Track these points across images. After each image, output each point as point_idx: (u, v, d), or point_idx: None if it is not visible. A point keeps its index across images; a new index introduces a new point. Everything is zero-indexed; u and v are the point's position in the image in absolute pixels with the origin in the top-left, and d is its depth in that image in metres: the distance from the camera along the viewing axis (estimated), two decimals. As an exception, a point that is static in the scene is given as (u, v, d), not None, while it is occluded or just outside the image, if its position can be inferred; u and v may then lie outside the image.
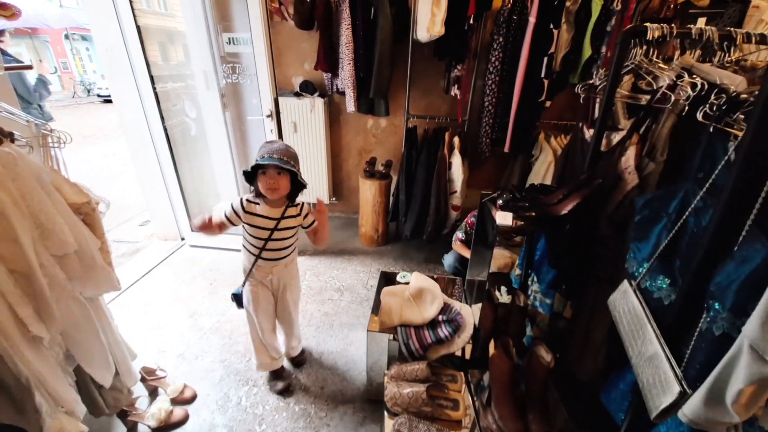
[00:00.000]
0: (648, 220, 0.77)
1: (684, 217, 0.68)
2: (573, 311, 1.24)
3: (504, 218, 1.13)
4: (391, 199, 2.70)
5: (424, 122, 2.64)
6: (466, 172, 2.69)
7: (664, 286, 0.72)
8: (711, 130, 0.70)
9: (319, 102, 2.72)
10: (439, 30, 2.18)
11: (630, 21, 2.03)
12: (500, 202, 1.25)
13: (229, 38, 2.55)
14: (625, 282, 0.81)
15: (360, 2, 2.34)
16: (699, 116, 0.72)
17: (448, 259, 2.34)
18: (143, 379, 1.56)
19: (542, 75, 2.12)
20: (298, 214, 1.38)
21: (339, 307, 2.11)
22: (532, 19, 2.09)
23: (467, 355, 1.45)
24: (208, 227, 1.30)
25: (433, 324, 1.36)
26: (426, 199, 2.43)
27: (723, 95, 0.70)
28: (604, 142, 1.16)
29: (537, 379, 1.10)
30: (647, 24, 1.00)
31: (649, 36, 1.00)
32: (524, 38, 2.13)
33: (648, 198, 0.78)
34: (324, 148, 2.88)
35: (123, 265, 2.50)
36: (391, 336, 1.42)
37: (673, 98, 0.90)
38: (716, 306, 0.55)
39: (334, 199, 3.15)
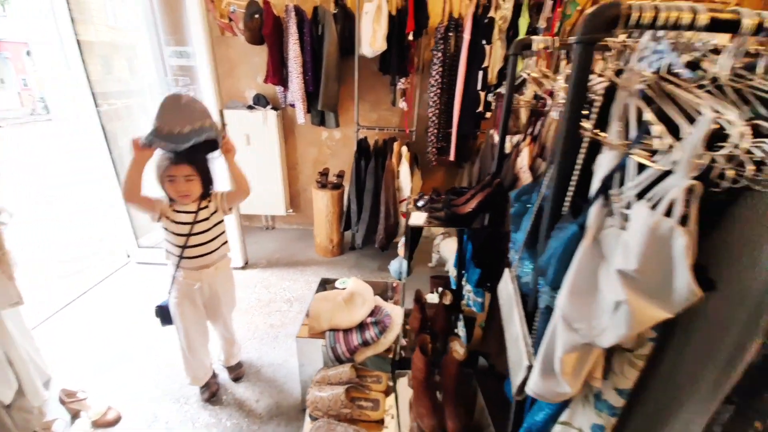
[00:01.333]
0: (519, 212, 0.83)
1: (538, 204, 0.74)
2: (489, 307, 1.29)
3: (417, 219, 1.18)
4: (344, 208, 2.73)
5: (375, 133, 2.71)
6: (418, 181, 2.76)
7: (530, 270, 0.77)
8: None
9: (271, 114, 2.74)
10: (381, 45, 2.28)
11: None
12: (420, 203, 1.30)
13: (180, 52, 2.56)
14: (506, 271, 0.86)
15: (307, 19, 2.42)
16: (554, 115, 0.79)
17: (394, 266, 2.37)
18: (63, 402, 1.47)
19: (478, 87, 2.25)
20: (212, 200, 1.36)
21: (286, 318, 2.08)
22: (466, 36, 2.23)
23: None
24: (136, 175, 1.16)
25: (361, 326, 1.37)
26: (376, 208, 2.47)
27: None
28: (508, 145, 1.24)
29: (450, 373, 1.13)
30: (533, 37, 1.10)
31: (535, 48, 1.09)
32: (461, 54, 2.27)
33: (518, 191, 0.84)
34: (279, 160, 2.89)
35: (63, 282, 2.37)
36: (324, 342, 1.42)
37: (551, 103, 0.98)
38: (542, 281, 0.60)
39: (291, 210, 3.15)
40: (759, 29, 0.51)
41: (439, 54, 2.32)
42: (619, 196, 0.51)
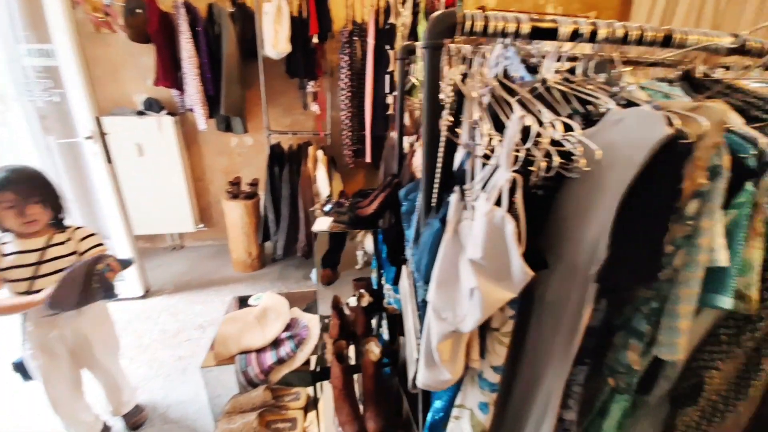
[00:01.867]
0: (409, 210, 0.86)
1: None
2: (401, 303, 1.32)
3: (321, 224, 1.15)
4: (262, 219, 2.57)
5: (289, 138, 2.61)
6: (338, 184, 2.74)
7: (418, 266, 0.80)
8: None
9: (167, 121, 2.46)
10: (284, 47, 2.20)
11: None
12: (326, 208, 1.27)
13: (42, 50, 2.14)
14: (404, 267, 0.89)
15: (200, 17, 2.23)
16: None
17: (315, 274, 2.32)
18: None
19: (386, 90, 2.31)
20: (70, 239, 1.13)
21: (198, 347, 1.88)
22: (371, 41, 2.27)
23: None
24: None
25: (276, 343, 1.29)
26: (294, 215, 2.38)
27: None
28: (406, 145, 1.29)
29: (368, 375, 1.12)
30: (416, 43, 1.16)
31: (418, 53, 1.15)
32: (367, 58, 2.31)
33: (405, 190, 0.87)
34: (182, 171, 2.60)
35: None
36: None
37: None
38: (417, 276, 0.63)
39: (202, 225, 2.86)
40: (574, 36, 0.59)
41: (346, 57, 2.33)
42: (471, 190, 0.55)
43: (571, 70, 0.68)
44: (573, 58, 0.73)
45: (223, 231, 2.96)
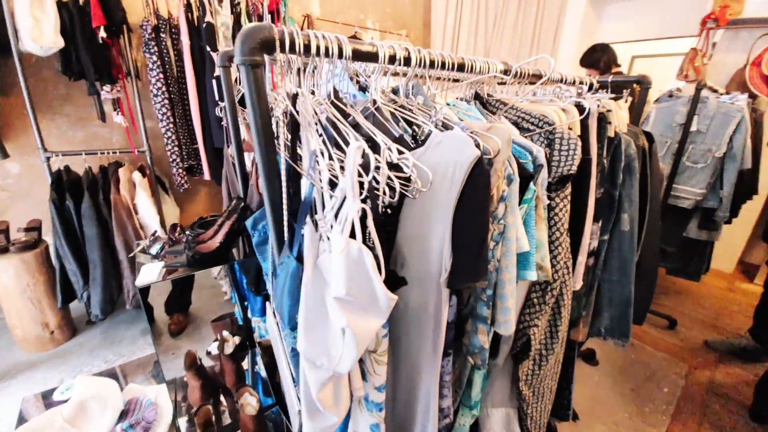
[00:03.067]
0: (261, 241, 0.77)
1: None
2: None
3: (148, 275, 0.90)
4: (57, 273, 1.88)
5: (82, 160, 1.97)
6: (174, 209, 2.28)
7: (283, 303, 0.73)
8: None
9: None
10: (53, 40, 1.64)
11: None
12: (153, 250, 1.01)
13: None
14: (267, 304, 0.79)
15: None
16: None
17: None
18: None
19: (217, 97, 2.03)
20: None
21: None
22: (185, 40, 1.95)
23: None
24: None
25: (108, 442, 0.96)
26: (110, 259, 1.84)
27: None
28: (248, 162, 1.15)
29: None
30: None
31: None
32: (184, 60, 1.97)
33: (253, 220, 0.78)
34: None
35: None
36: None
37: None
38: (282, 324, 0.56)
39: (-60, 304, 1.87)
40: (392, 60, 0.63)
41: (155, 58, 1.93)
42: (323, 219, 0.52)
43: (395, 90, 0.73)
44: (395, 74, 0.80)
45: (-14, 302, 2.02)
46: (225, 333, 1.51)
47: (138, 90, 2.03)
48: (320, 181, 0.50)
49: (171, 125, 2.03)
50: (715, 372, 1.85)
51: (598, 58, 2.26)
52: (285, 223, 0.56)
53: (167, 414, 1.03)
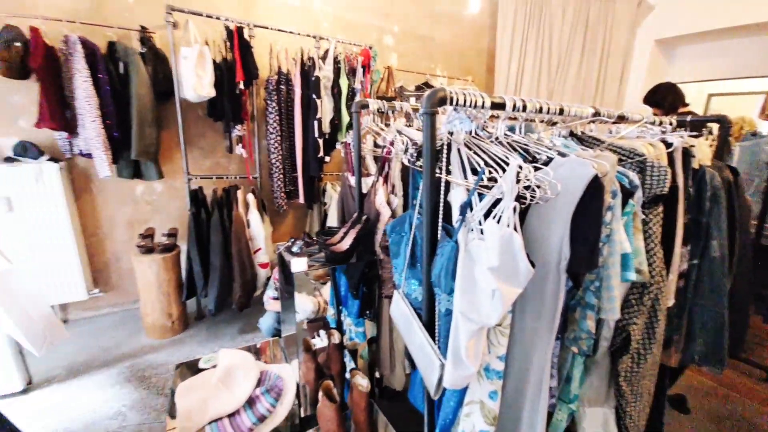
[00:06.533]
0: (396, 241, 0.99)
1: (412, 232, 0.92)
2: (377, 331, 1.39)
3: (299, 264, 1.17)
4: (184, 273, 2.29)
5: (212, 182, 2.45)
6: (268, 227, 2.66)
7: (416, 287, 0.93)
8: (413, 169, 1.00)
9: (50, 168, 2.05)
10: (208, 91, 2.15)
11: (369, 97, 2.68)
12: (294, 249, 1.29)
13: None
14: (396, 292, 1.00)
15: (100, 54, 2.02)
16: (405, 161, 1.01)
17: (266, 322, 2.17)
18: None
19: (316, 135, 2.44)
20: None
21: (121, 439, 1.52)
22: (297, 90, 2.41)
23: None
24: None
25: (250, 402, 1.19)
26: (227, 265, 2.21)
27: (415, 147, 1.02)
28: (364, 185, 1.43)
29: (360, 408, 1.14)
30: (369, 99, 1.35)
31: (371, 108, 1.34)
32: (295, 105, 2.42)
33: (392, 224, 1.01)
34: (69, 227, 2.15)
35: None
36: (201, 441, 1.14)
37: (393, 150, 1.23)
38: (438, 291, 0.76)
39: (97, 291, 2.36)
40: (514, 107, 0.85)
41: (274, 104, 2.40)
42: (473, 217, 0.72)
43: (512, 128, 0.95)
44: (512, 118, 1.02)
45: (124, 295, 2.50)
46: (321, 331, 1.74)
47: (257, 129, 2.52)
48: (467, 190, 0.71)
49: (280, 157, 2.46)
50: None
51: (663, 97, 2.30)
52: (440, 222, 0.78)
53: (292, 385, 1.24)
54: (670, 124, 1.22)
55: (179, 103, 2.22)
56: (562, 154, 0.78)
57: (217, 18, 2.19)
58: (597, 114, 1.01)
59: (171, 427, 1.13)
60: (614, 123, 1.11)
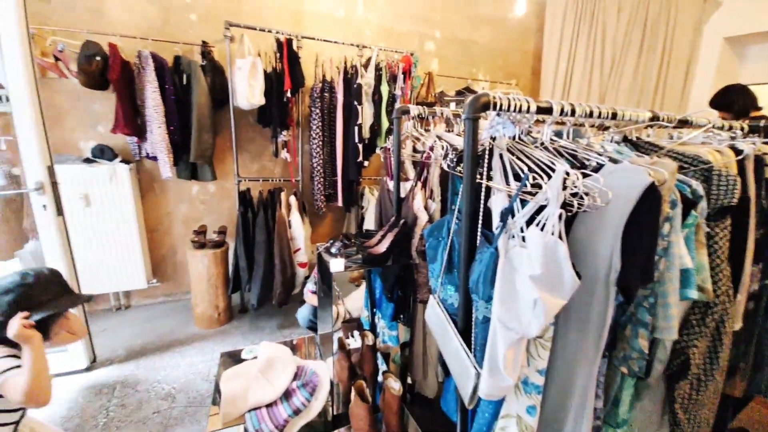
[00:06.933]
0: (433, 245, 0.99)
1: (450, 237, 0.91)
2: (410, 336, 1.39)
3: (337, 265, 1.21)
4: (230, 268, 2.45)
5: (258, 184, 2.61)
6: (308, 228, 2.76)
7: (452, 292, 0.92)
8: (452, 175, 1.00)
9: (122, 169, 2.30)
10: (259, 100, 2.30)
11: (409, 103, 2.71)
12: (333, 250, 1.34)
13: None
14: (431, 297, 0.99)
15: (167, 67, 2.24)
16: (444, 166, 1.01)
17: (303, 312, 2.25)
18: None
19: (356, 140, 2.51)
20: None
21: (170, 419, 1.65)
22: (340, 97, 2.49)
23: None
24: None
25: (287, 394, 1.25)
26: (270, 262, 2.33)
27: (455, 152, 1.02)
28: (402, 189, 1.44)
29: (392, 411, 1.15)
30: (409, 105, 1.37)
31: (412, 113, 1.36)
32: (337, 112, 2.51)
33: (430, 228, 1.01)
34: (135, 222, 2.39)
35: None
36: (243, 429, 1.21)
37: (433, 155, 1.23)
38: (476, 298, 0.75)
39: (155, 280, 2.60)
40: (562, 112, 0.82)
41: (318, 111, 2.51)
42: (514, 223, 0.71)
43: (558, 133, 0.92)
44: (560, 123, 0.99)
45: (178, 285, 2.72)
46: (355, 332, 1.77)
47: (300, 134, 2.65)
48: (509, 196, 0.70)
49: (321, 161, 2.55)
50: None
51: (733, 100, 2.09)
52: (479, 228, 0.77)
53: (326, 381, 1.28)
54: (741, 129, 1.10)
55: (233, 110, 2.39)
56: (614, 161, 0.74)
57: (269, 31, 2.34)
58: (655, 118, 0.94)
59: (215, 411, 1.21)
60: (675, 128, 1.03)
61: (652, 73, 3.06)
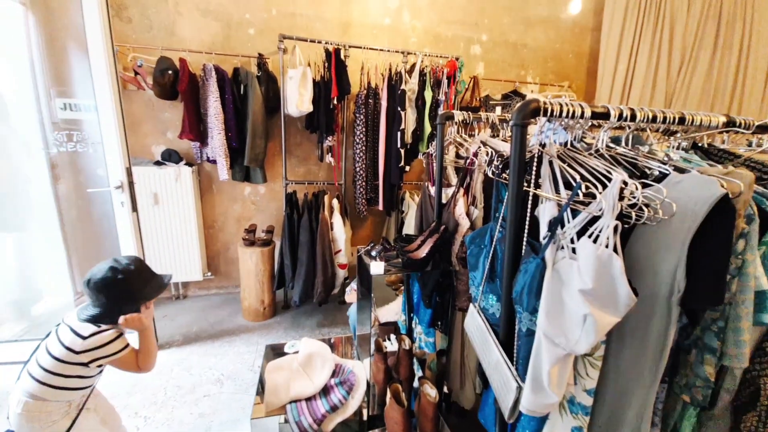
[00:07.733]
0: (475, 253, 0.98)
1: (493, 245, 0.90)
2: (448, 344, 1.38)
3: (377, 268, 1.24)
4: (276, 266, 2.59)
5: (303, 187, 2.73)
6: (348, 231, 2.84)
7: (494, 302, 0.90)
8: (497, 181, 0.98)
9: (185, 171, 2.54)
10: (307, 107, 2.42)
11: (452, 108, 2.69)
12: (373, 253, 1.37)
13: (65, 104, 2.29)
14: (471, 306, 0.98)
15: (227, 78, 2.44)
16: (489, 173, 0.99)
17: (353, 311, 2.31)
18: None
19: (399, 145, 2.54)
20: None
21: (219, 403, 1.78)
22: (384, 103, 2.54)
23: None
24: None
25: (325, 390, 1.29)
26: (312, 262, 2.43)
27: (501, 158, 1.00)
28: (444, 195, 1.44)
29: (427, 418, 1.14)
30: (454, 111, 1.37)
31: (456, 119, 1.35)
32: (380, 117, 2.56)
33: (472, 236, 1.00)
34: (194, 220, 2.63)
35: None
36: (282, 418, 1.28)
37: (476, 161, 1.22)
38: (519, 309, 0.73)
39: (209, 273, 2.82)
40: (620, 117, 0.78)
41: (362, 116, 2.58)
42: (563, 234, 0.68)
43: (616, 140, 0.87)
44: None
45: (229, 279, 2.93)
46: (392, 335, 1.78)
47: (344, 139, 2.74)
48: (559, 205, 0.67)
49: (363, 166, 2.62)
50: None
51: None
52: (524, 237, 0.75)
53: (363, 381, 1.31)
54: None
55: (283, 117, 2.54)
56: (680, 170, 0.68)
57: (319, 42, 2.46)
58: (730, 123, 0.86)
59: (258, 401, 1.29)
60: (754, 134, 0.92)
61: (729, 74, 2.75)
